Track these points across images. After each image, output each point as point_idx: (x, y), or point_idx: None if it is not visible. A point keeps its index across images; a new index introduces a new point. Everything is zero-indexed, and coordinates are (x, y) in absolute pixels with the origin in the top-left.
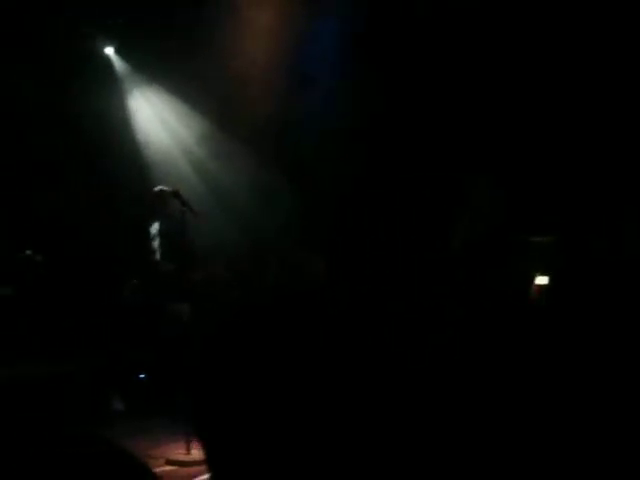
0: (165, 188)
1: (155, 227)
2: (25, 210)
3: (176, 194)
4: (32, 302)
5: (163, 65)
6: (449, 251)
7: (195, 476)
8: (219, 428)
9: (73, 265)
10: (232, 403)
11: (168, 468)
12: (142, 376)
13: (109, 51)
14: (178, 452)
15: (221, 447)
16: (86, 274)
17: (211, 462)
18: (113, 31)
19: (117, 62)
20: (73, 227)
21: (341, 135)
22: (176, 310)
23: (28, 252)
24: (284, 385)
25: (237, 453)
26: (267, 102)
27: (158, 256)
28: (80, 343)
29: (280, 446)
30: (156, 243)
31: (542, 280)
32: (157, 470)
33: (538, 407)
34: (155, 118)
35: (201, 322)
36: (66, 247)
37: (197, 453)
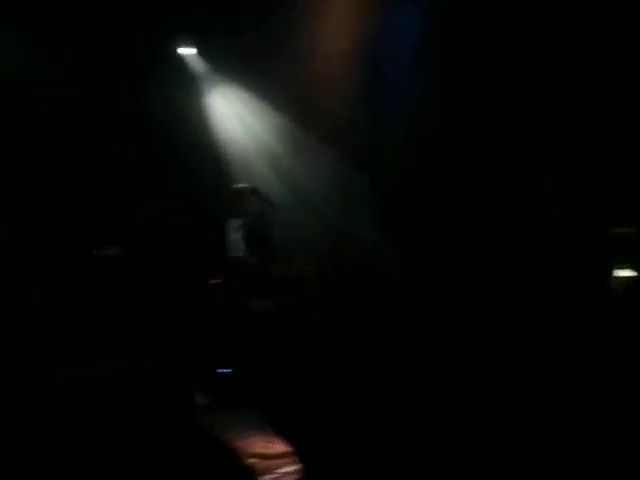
0: (244, 185)
1: (235, 223)
2: (105, 207)
3: (254, 191)
4: (115, 299)
5: (242, 65)
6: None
7: (277, 469)
8: (304, 421)
9: (155, 261)
10: (315, 397)
11: (250, 461)
12: (225, 371)
13: (189, 52)
14: (260, 445)
15: (307, 439)
16: (168, 270)
17: (301, 454)
18: (194, 33)
19: (197, 63)
20: (154, 224)
21: (419, 131)
22: (258, 305)
23: (110, 248)
24: (362, 379)
25: (324, 445)
26: (345, 99)
27: (240, 252)
28: (164, 338)
29: (365, 438)
30: (237, 239)
31: (624, 272)
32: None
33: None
34: (234, 116)
35: (283, 318)
36: (148, 244)
37: (279, 446)
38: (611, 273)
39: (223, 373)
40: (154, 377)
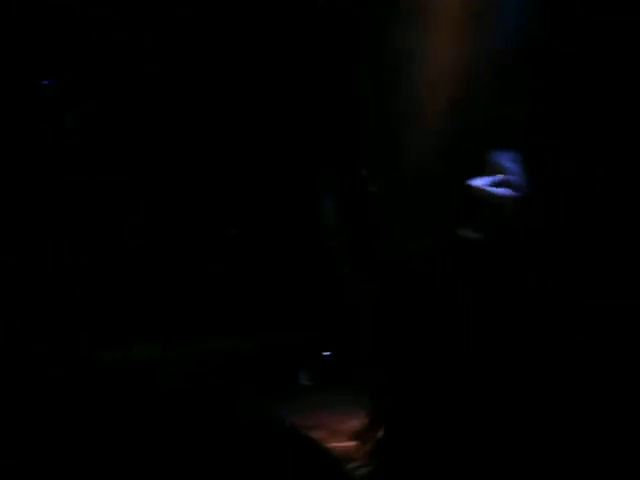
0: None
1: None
2: None
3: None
4: None
5: None
6: None
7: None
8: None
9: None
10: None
11: (352, 443)
12: (328, 354)
13: None
14: (356, 426)
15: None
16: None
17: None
18: None
19: None
20: None
21: None
22: (365, 287)
23: None
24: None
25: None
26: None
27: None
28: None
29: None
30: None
31: None
32: (340, 445)
33: None
34: None
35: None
36: None
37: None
38: None
39: (327, 356)
40: (255, 357)
